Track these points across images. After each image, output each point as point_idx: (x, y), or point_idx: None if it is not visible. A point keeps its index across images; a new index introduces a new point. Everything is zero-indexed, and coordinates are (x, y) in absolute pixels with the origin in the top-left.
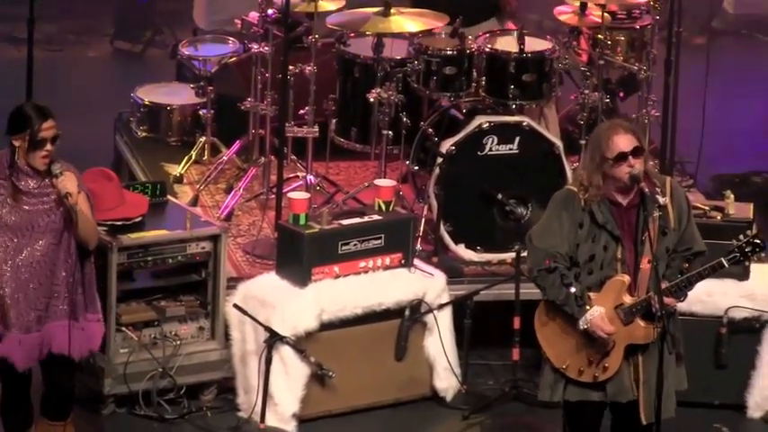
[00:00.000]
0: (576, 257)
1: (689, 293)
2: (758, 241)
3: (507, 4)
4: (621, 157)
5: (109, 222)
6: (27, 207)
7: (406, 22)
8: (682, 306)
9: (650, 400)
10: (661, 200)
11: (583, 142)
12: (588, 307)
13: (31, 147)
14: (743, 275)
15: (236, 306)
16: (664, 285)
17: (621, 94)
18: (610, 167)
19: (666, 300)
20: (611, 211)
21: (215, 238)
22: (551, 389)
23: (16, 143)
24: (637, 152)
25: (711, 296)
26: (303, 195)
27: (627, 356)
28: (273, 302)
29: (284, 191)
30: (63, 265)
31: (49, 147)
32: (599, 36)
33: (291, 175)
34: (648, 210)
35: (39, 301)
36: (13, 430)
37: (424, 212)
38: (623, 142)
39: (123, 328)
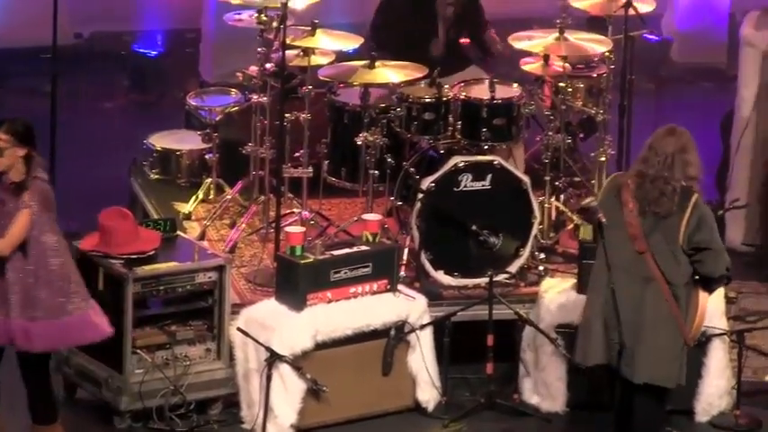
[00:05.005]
0: None
1: None
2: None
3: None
4: None
5: (125, 256)
6: None
7: (389, 73)
8: None
9: None
10: None
11: (547, 178)
12: None
13: None
14: None
15: (239, 329)
16: None
17: (581, 136)
18: None
19: None
20: None
21: (220, 269)
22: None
23: None
24: None
25: None
26: (299, 229)
27: None
28: (273, 325)
29: (282, 225)
30: (14, 265)
31: None
32: (561, 84)
33: (288, 212)
34: None
35: None
36: None
37: (407, 243)
38: None
39: (138, 351)
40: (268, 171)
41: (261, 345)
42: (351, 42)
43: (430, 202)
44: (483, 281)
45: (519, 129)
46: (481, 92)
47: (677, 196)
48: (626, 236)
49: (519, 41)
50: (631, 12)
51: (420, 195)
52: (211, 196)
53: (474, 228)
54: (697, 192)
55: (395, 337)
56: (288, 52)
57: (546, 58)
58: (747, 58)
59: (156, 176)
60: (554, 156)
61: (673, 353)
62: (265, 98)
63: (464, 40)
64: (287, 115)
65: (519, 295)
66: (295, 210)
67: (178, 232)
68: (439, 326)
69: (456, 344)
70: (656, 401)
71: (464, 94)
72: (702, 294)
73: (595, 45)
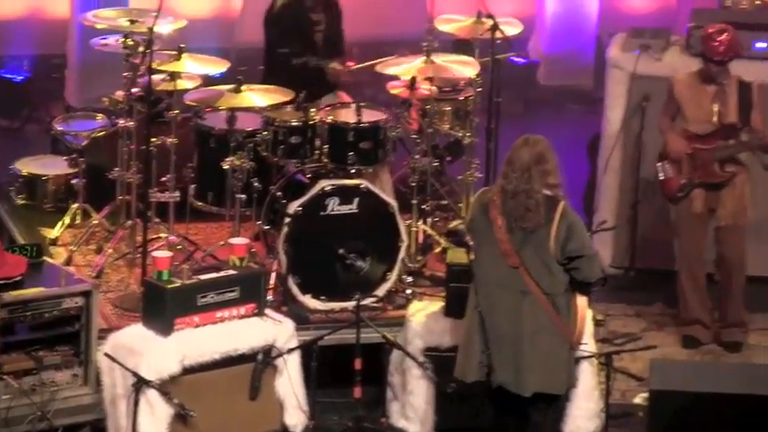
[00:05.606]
0: None
1: None
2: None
3: (339, 78)
4: None
5: None
6: None
7: (256, 97)
8: None
9: None
10: None
11: (414, 202)
12: None
13: None
14: None
15: (106, 354)
16: None
17: (448, 159)
18: None
19: None
20: None
21: (87, 294)
22: None
23: None
24: None
25: None
26: (165, 254)
27: None
28: (140, 350)
29: (149, 250)
30: None
31: None
32: (427, 107)
33: (155, 236)
34: None
35: None
36: None
37: (275, 267)
38: None
39: (5, 377)
40: (135, 196)
41: (128, 370)
42: (217, 66)
43: (297, 227)
44: (350, 304)
45: (386, 152)
46: (348, 115)
47: (542, 208)
48: (499, 252)
49: (387, 68)
50: (498, 35)
51: (287, 219)
52: (78, 221)
53: (341, 251)
54: (563, 199)
55: (262, 361)
56: (154, 77)
57: (413, 81)
58: (614, 80)
59: (23, 201)
60: (421, 179)
61: (558, 359)
62: (131, 123)
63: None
64: (153, 140)
65: (386, 319)
66: (162, 234)
67: (44, 258)
68: (306, 350)
69: (324, 368)
70: (546, 411)
71: (330, 117)
72: (581, 298)
73: (462, 68)
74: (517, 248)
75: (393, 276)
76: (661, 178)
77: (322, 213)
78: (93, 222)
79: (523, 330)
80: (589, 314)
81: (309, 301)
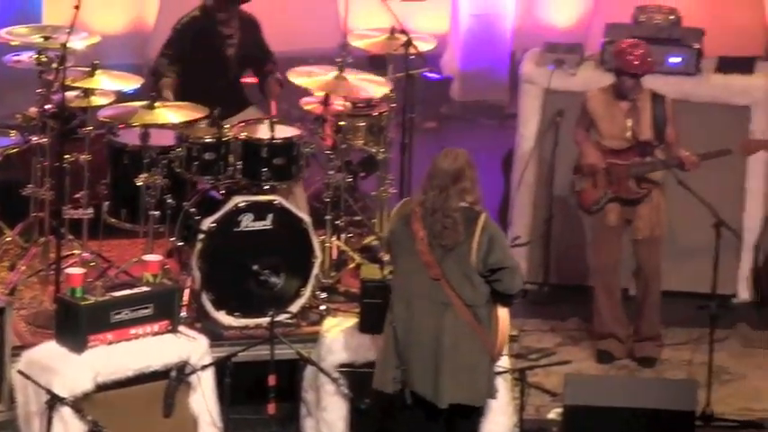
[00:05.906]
0: None
1: None
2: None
3: (270, 92)
4: None
5: None
6: None
7: (170, 113)
8: None
9: None
10: None
11: (328, 218)
12: None
13: None
14: None
15: (20, 372)
16: None
17: (362, 175)
18: None
19: None
20: None
21: (0, 311)
22: None
23: None
24: None
25: None
26: (79, 270)
27: None
28: (54, 367)
29: (62, 267)
30: None
31: None
32: (341, 123)
33: (68, 253)
34: None
35: None
36: None
37: (188, 283)
38: None
39: None
40: (48, 212)
41: (41, 387)
42: (131, 83)
43: (211, 243)
44: (264, 321)
45: (299, 168)
46: (262, 131)
47: (461, 225)
48: (420, 263)
49: (298, 77)
50: (412, 50)
51: (201, 236)
52: None
53: (255, 268)
54: (483, 211)
55: (176, 378)
56: (68, 93)
57: (326, 97)
58: (528, 96)
59: None
60: (335, 195)
61: (478, 370)
62: (45, 139)
63: (251, 79)
64: (67, 156)
65: (301, 335)
66: (75, 251)
67: None
68: (220, 366)
69: (238, 384)
70: (465, 424)
71: (244, 134)
72: (502, 310)
73: (374, 86)
74: (438, 260)
75: (307, 292)
76: (577, 189)
77: (236, 229)
78: (7, 239)
79: (444, 342)
80: None
81: (223, 317)
